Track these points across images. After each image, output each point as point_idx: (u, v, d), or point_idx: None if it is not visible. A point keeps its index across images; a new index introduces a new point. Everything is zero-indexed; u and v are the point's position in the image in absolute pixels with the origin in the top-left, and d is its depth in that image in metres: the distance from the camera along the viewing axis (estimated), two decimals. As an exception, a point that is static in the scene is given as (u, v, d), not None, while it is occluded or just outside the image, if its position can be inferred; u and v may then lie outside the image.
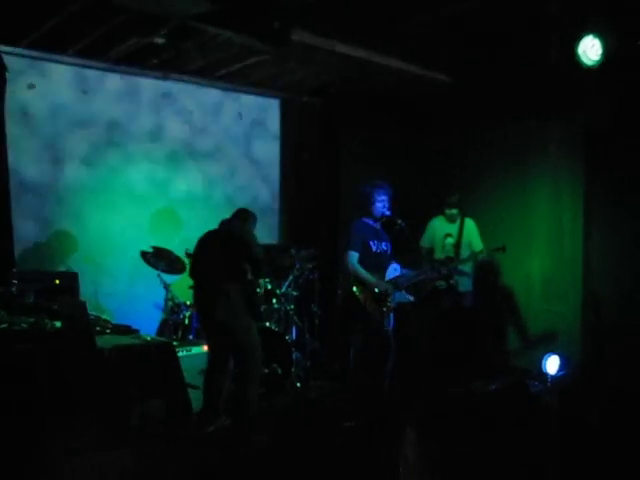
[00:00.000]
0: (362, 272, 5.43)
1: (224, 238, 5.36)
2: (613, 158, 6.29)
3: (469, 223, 6.84)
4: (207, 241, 5.46)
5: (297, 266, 6.80)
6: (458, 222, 6.83)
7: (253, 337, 5.27)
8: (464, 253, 6.69)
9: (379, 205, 5.55)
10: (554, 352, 6.08)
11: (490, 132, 7.19)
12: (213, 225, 5.52)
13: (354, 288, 5.42)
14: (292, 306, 6.79)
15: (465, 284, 6.75)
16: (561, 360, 6.07)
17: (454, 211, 6.87)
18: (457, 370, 6.48)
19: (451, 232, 6.86)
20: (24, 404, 4.23)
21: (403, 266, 5.74)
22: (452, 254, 6.67)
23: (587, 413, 4.25)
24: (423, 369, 6.49)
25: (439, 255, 6.77)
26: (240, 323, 5.22)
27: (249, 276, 5.36)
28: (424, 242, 6.98)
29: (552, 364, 6.06)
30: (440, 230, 6.95)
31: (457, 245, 6.73)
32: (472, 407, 1.83)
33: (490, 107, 6.85)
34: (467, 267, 6.76)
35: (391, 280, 5.54)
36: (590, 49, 5.27)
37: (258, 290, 5.51)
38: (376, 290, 5.38)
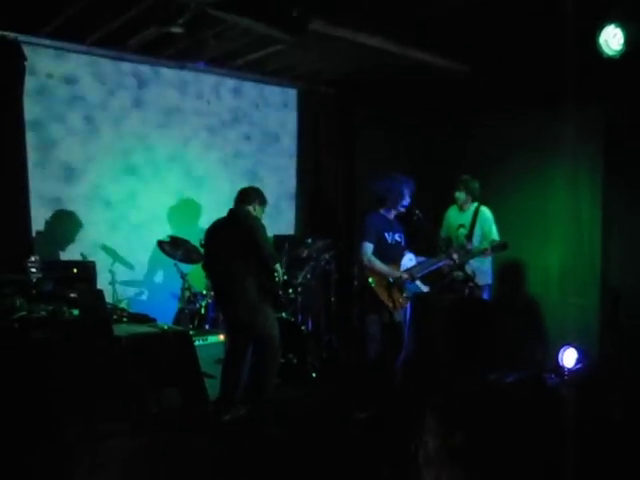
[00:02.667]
0: (377, 263, 5.45)
1: (232, 232, 5.29)
2: (633, 150, 6.22)
3: (484, 212, 6.36)
4: (216, 234, 5.42)
5: (314, 257, 6.79)
6: (471, 211, 6.35)
7: (272, 328, 5.27)
8: (477, 245, 6.15)
9: (406, 198, 5.59)
10: (571, 345, 6.05)
11: (507, 123, 7.13)
12: (230, 215, 5.51)
13: (369, 279, 5.43)
14: (309, 296, 6.79)
15: (482, 277, 6.33)
16: (578, 353, 6.04)
17: (460, 195, 6.45)
18: (474, 361, 6.45)
19: (463, 222, 6.41)
20: (42, 392, 4.26)
21: (418, 255, 5.73)
22: (465, 246, 6.10)
23: (605, 406, 4.20)
24: (440, 359, 6.46)
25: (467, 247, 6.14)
26: (259, 317, 5.22)
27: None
28: (442, 233, 6.65)
29: (569, 357, 6.04)
30: (454, 220, 6.59)
31: (469, 237, 6.19)
32: (490, 398, 1.81)
33: (508, 98, 6.79)
34: (484, 262, 6.33)
35: (406, 270, 5.54)
36: (612, 39, 5.21)
37: (276, 276, 5.44)
38: (391, 280, 5.39)
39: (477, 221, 6.27)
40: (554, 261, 6.99)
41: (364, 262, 5.47)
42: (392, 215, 5.65)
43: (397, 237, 5.66)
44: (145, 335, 4.92)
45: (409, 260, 5.65)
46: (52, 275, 5.37)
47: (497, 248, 5.92)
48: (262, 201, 5.52)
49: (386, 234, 5.57)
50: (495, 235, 6.31)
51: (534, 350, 6.73)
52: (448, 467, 1.57)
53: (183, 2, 5.15)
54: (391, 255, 5.57)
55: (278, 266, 5.50)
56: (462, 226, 6.42)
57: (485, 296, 6.44)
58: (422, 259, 5.73)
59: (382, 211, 5.64)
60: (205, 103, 7.38)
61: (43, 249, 6.15)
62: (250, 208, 5.41)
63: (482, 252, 5.95)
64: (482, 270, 6.31)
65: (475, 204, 6.41)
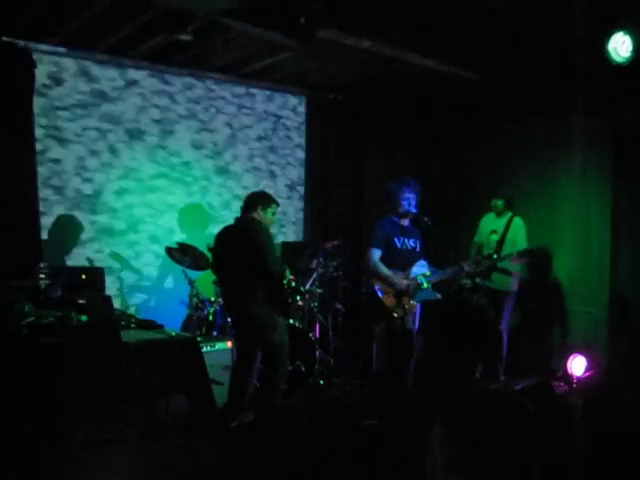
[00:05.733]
0: (383, 269, 5.42)
1: (239, 242, 5.26)
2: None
3: (517, 221, 6.58)
4: (224, 241, 5.40)
5: (322, 263, 6.79)
6: (506, 218, 6.59)
7: (281, 335, 5.26)
8: (507, 252, 6.37)
9: (404, 203, 5.53)
10: (580, 353, 6.02)
11: (516, 130, 7.12)
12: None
13: (375, 285, 5.42)
14: (316, 303, 6.78)
15: (505, 283, 6.49)
16: (587, 361, 6.01)
17: (498, 202, 6.63)
18: (484, 368, 6.42)
19: (496, 229, 6.62)
20: (50, 397, 4.27)
21: (431, 265, 5.69)
22: (494, 251, 6.42)
23: (613, 415, 4.18)
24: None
25: (487, 252, 6.49)
26: (268, 324, 5.20)
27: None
28: (476, 239, 6.84)
29: (578, 365, 6.01)
30: (487, 226, 6.76)
31: (500, 242, 6.46)
32: (497, 406, 1.81)
33: (517, 105, 6.79)
34: (515, 266, 6.47)
35: (414, 278, 5.51)
36: (620, 46, 5.21)
37: (285, 282, 5.42)
38: (398, 288, 5.37)
39: (510, 228, 6.53)
40: (563, 269, 6.97)
41: (370, 267, 5.46)
42: (402, 220, 5.62)
43: (411, 243, 5.62)
44: (153, 341, 4.93)
45: (420, 267, 5.61)
46: (61, 281, 5.38)
47: (522, 254, 6.24)
48: (266, 203, 5.38)
49: (396, 239, 5.54)
50: (525, 245, 6.45)
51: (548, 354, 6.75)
52: (454, 475, 1.57)
53: (192, 10, 5.18)
54: (401, 261, 5.53)
55: (288, 272, 5.49)
56: (494, 232, 6.63)
57: (510, 303, 6.59)
58: (434, 270, 5.69)
59: (391, 216, 5.63)
60: (213, 111, 7.39)
61: (52, 255, 6.17)
62: (255, 215, 5.34)
63: (508, 257, 6.22)
64: (514, 276, 6.54)
65: (510, 213, 6.64)
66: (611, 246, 6.56)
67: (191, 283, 6.37)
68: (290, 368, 5.89)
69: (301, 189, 8.16)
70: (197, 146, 7.30)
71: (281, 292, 5.39)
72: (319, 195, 8.16)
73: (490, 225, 6.73)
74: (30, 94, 6.05)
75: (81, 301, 5.01)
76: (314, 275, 6.79)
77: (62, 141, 6.42)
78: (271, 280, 5.22)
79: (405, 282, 5.43)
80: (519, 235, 6.53)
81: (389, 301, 5.38)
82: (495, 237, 6.57)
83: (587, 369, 5.98)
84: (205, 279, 6.62)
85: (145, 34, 5.92)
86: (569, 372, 5.98)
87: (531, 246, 6.37)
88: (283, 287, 5.42)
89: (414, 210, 5.55)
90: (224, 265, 5.35)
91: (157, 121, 7.01)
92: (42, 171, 6.22)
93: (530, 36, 5.65)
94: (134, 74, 6.82)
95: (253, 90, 7.70)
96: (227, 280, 5.40)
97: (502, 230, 6.54)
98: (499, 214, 6.68)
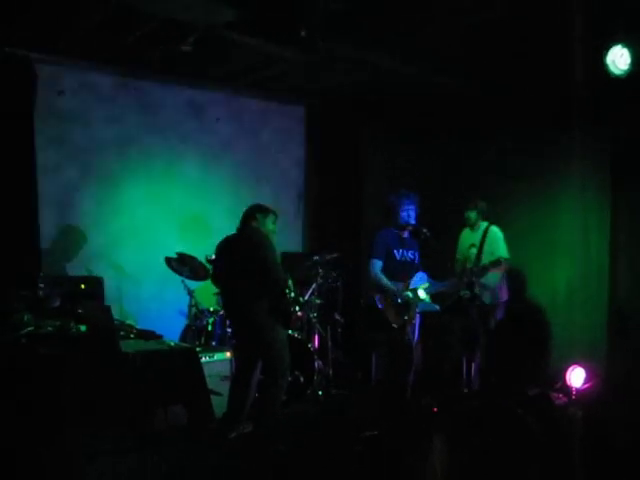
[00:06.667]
0: (384, 281, 5.43)
1: (241, 252, 5.21)
2: (641, 169, 6.23)
3: (493, 231, 6.45)
4: (225, 251, 5.38)
5: (321, 274, 6.78)
6: (481, 230, 6.45)
7: (282, 348, 5.23)
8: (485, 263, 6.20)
9: (404, 214, 5.55)
10: (579, 364, 6.02)
11: (515, 143, 7.13)
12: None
13: (374, 297, 5.43)
14: (315, 314, 6.77)
15: (492, 296, 6.41)
16: (586, 373, 6.00)
17: (471, 214, 6.54)
18: (483, 380, 6.43)
19: (474, 242, 6.46)
20: (48, 407, 4.27)
21: (430, 277, 5.70)
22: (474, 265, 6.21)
23: (612, 426, 4.18)
24: (449, 378, 6.44)
25: (469, 266, 6.28)
26: (268, 337, 5.17)
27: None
28: (458, 255, 6.71)
29: (577, 376, 6.00)
30: (465, 241, 6.66)
31: (478, 255, 6.26)
32: (497, 417, 1.81)
33: (515, 117, 6.80)
34: (492, 279, 6.33)
35: (414, 289, 5.52)
36: (619, 59, 5.23)
37: (287, 292, 5.39)
38: (399, 301, 5.39)
39: (486, 240, 6.37)
40: (562, 281, 6.96)
41: (371, 278, 5.47)
42: (401, 232, 5.63)
43: (410, 255, 5.63)
44: (152, 351, 4.92)
45: (420, 279, 5.62)
46: (60, 291, 5.39)
47: (494, 264, 6.00)
48: (264, 213, 5.35)
49: (395, 251, 5.55)
50: (504, 253, 6.31)
51: (539, 365, 6.74)
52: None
53: (193, 22, 5.20)
54: (400, 272, 5.55)
55: (290, 283, 5.47)
56: (473, 245, 6.48)
57: (500, 313, 6.50)
58: (434, 282, 5.69)
59: (391, 228, 5.65)
60: (214, 121, 7.42)
61: (51, 264, 6.17)
62: (255, 224, 5.30)
63: (484, 270, 6.03)
64: (496, 288, 6.42)
65: (485, 223, 6.52)
66: (610, 257, 6.56)
67: (190, 293, 6.37)
68: (289, 379, 5.88)
69: (300, 199, 8.17)
70: (197, 156, 7.32)
71: (284, 302, 5.37)
72: (318, 205, 8.17)
73: (468, 239, 6.62)
74: (31, 104, 6.07)
75: (80, 311, 5.01)
76: (313, 285, 6.78)
77: (63, 149, 6.44)
78: (275, 290, 5.21)
79: (405, 293, 5.45)
80: (496, 245, 6.39)
81: (388, 312, 5.39)
82: (474, 250, 6.39)
83: (586, 380, 5.98)
84: (204, 289, 6.61)
85: (145, 45, 5.95)
86: (568, 383, 5.98)
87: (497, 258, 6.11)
88: (286, 297, 5.40)
89: (413, 222, 5.57)
90: (227, 275, 5.33)
91: (157, 130, 7.04)
92: (43, 181, 6.24)
93: (529, 49, 5.68)
94: (135, 84, 6.86)
95: (252, 100, 7.72)
96: (230, 290, 5.38)
97: (479, 242, 6.39)
98: (473, 226, 6.60)
